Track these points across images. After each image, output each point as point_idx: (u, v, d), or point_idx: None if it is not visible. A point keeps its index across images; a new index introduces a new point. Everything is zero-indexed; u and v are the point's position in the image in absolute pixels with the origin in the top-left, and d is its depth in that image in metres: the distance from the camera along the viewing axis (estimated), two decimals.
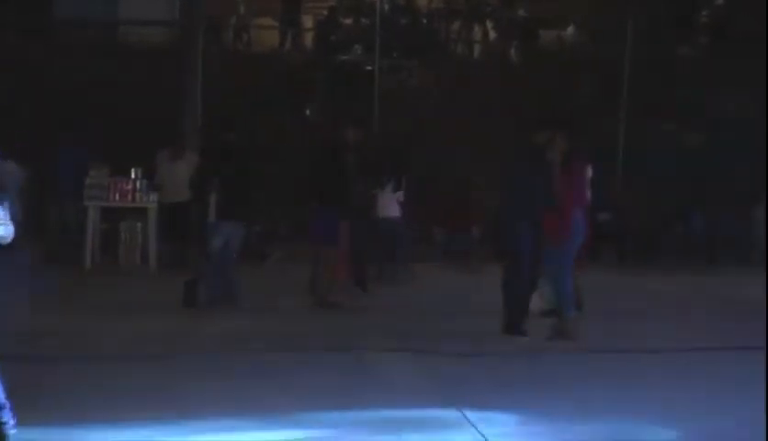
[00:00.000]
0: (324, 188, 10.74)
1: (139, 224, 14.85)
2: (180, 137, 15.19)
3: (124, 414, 6.02)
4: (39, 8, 20.21)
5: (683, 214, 18.10)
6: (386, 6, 21.33)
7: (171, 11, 21.78)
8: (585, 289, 10.24)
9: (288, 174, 15.51)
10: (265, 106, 18.43)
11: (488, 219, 14.65)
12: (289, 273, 13.15)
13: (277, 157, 16.47)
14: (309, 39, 22.13)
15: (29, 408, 5.92)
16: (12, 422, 5.43)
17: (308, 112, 19.75)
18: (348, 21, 21.71)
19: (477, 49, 22.65)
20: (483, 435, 5.74)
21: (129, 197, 14.70)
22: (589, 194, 10.07)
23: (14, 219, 5.66)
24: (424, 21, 22.39)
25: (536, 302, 9.87)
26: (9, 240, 5.67)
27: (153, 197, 14.60)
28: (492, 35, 22.42)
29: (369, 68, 19.98)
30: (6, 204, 5.65)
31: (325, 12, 21.70)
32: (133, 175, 14.76)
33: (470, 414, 6.15)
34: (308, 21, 22.58)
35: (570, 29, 22.31)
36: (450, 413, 6.25)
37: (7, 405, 5.44)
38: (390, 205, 13.37)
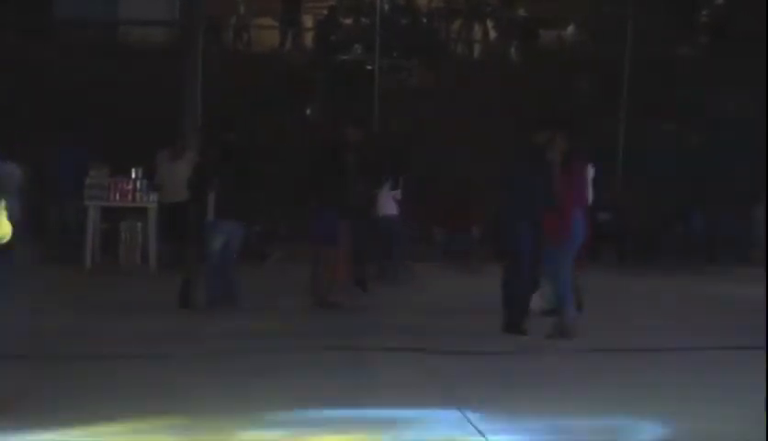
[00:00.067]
0: (324, 188, 10.74)
1: (139, 224, 14.85)
2: (180, 137, 15.19)
3: (124, 414, 6.02)
4: (39, 8, 20.22)
5: (683, 214, 18.10)
6: (386, 6, 21.34)
7: (171, 11, 21.80)
8: (585, 289, 10.25)
9: (287, 174, 15.50)
10: (265, 106, 18.43)
11: (488, 219, 14.65)
12: (289, 273, 13.15)
13: (277, 157, 16.46)
14: (309, 38, 22.14)
15: (29, 408, 5.94)
16: None
17: (308, 112, 19.75)
18: (348, 21, 21.72)
19: (477, 49, 22.65)
20: (483, 435, 5.74)
21: (130, 196, 14.70)
22: (591, 194, 10.07)
23: (13, 218, 5.66)
24: (424, 21, 22.40)
25: (537, 302, 9.89)
26: (6, 240, 5.67)
27: (154, 196, 14.60)
28: (492, 35, 22.43)
29: (369, 68, 19.98)
30: (3, 204, 5.65)
31: (325, 12, 21.71)
32: (133, 175, 14.76)
33: (470, 414, 6.15)
34: (308, 21, 22.59)
35: (570, 29, 22.32)
36: (450, 413, 6.25)
37: None
38: (388, 203, 13.38)
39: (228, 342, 8.75)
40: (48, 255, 13.79)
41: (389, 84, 19.92)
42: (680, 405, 6.53)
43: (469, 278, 14.14)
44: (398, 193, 13.52)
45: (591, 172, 10.13)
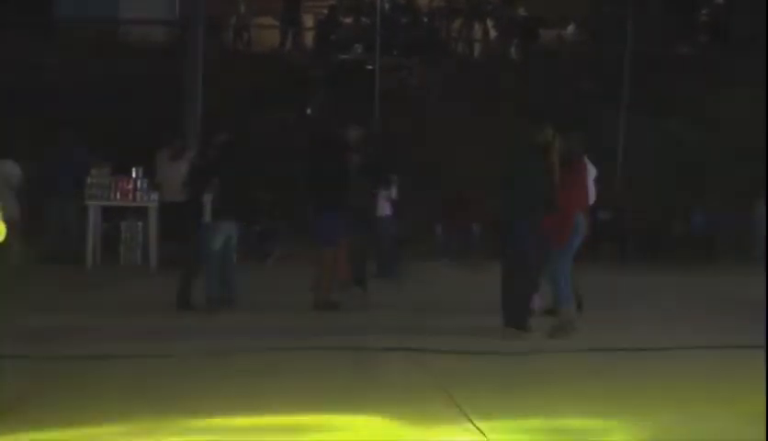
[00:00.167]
0: (324, 188, 10.74)
1: (140, 223, 14.87)
2: (180, 137, 15.19)
3: (124, 414, 6.02)
4: (39, 8, 20.24)
5: (684, 212, 18.11)
6: (386, 5, 21.36)
7: (171, 11, 21.83)
8: (585, 289, 10.25)
9: (287, 174, 15.50)
10: (266, 105, 18.43)
11: (488, 218, 14.65)
12: (289, 273, 13.15)
13: (277, 157, 16.46)
14: (309, 38, 22.14)
15: (29, 408, 5.94)
16: None
17: (308, 112, 19.75)
18: (348, 20, 21.74)
19: (477, 47, 22.65)
20: (483, 434, 5.74)
21: (130, 196, 14.72)
22: (594, 193, 10.05)
23: (12, 218, 5.67)
24: (425, 20, 22.42)
25: (538, 301, 9.89)
26: (0, 239, 5.69)
27: (154, 196, 14.61)
28: (493, 34, 22.43)
29: (370, 67, 19.98)
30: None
31: (325, 11, 21.74)
32: (134, 175, 14.77)
33: (471, 413, 6.14)
34: (308, 20, 22.61)
35: (571, 28, 22.32)
36: (450, 412, 6.25)
37: None
38: (381, 203, 13.36)
39: (228, 341, 8.75)
40: (48, 255, 13.79)
41: (389, 84, 19.92)
42: (680, 405, 6.53)
43: (470, 277, 14.14)
44: (393, 192, 13.49)
45: (593, 171, 10.11)
